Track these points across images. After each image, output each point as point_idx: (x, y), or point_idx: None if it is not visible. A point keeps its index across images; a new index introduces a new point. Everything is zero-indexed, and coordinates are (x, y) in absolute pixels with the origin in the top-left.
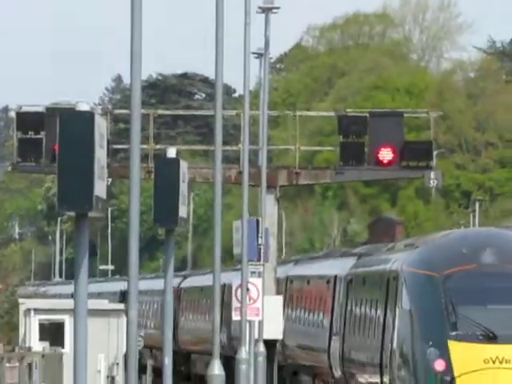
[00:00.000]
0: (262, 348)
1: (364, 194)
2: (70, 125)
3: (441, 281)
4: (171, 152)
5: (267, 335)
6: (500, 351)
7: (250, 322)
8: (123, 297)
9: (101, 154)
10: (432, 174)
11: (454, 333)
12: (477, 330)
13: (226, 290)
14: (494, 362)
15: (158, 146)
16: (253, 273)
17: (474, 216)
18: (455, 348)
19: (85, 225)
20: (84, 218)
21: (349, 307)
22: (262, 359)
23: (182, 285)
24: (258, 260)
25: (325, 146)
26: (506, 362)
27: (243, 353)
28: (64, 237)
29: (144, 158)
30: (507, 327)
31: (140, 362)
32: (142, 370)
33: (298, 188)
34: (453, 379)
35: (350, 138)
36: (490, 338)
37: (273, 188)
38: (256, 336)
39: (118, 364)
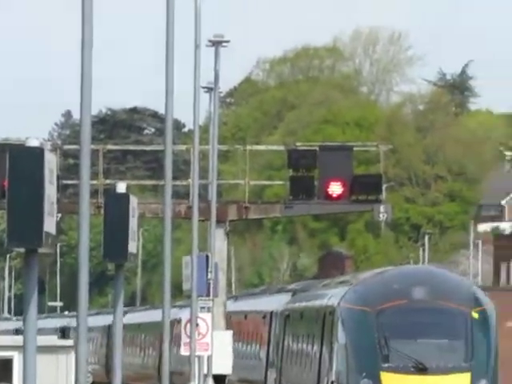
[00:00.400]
0: (211, 383)
1: (313, 229)
2: (20, 161)
3: (374, 316)
4: (121, 187)
5: (217, 370)
6: (430, 382)
7: (198, 356)
8: (63, 333)
9: (50, 190)
10: (381, 208)
11: (386, 365)
12: (408, 362)
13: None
14: None
15: (108, 181)
16: (202, 308)
17: (423, 249)
18: (387, 379)
19: (34, 261)
20: (34, 254)
21: (286, 341)
22: None
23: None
24: (208, 295)
25: (274, 180)
26: None
27: None
28: (13, 273)
29: (94, 193)
30: (436, 359)
31: None
32: None
33: (247, 222)
34: None
35: (299, 172)
36: (421, 369)
37: (222, 223)
38: (205, 371)
39: None
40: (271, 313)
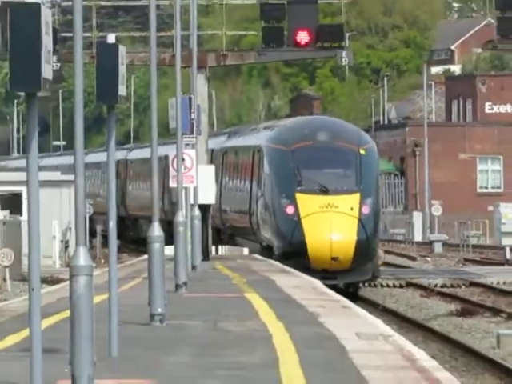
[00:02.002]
0: (197, 212)
1: (285, 73)
2: (19, 15)
3: (290, 153)
4: (111, 38)
5: (202, 200)
6: (330, 200)
7: (185, 188)
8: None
9: (47, 41)
10: (344, 53)
11: (299, 188)
12: (315, 186)
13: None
14: (326, 207)
15: (101, 34)
16: (187, 145)
17: (383, 90)
18: (300, 198)
19: (34, 103)
20: (33, 97)
21: (223, 172)
22: (197, 222)
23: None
24: (192, 133)
25: (249, 31)
26: (334, 207)
27: (180, 216)
28: (20, 117)
29: (89, 45)
30: (335, 184)
31: (91, 227)
32: (93, 234)
33: (226, 69)
34: (299, 219)
35: (270, 23)
36: (324, 191)
37: (203, 68)
38: (192, 201)
39: (70, 229)
40: (212, 150)
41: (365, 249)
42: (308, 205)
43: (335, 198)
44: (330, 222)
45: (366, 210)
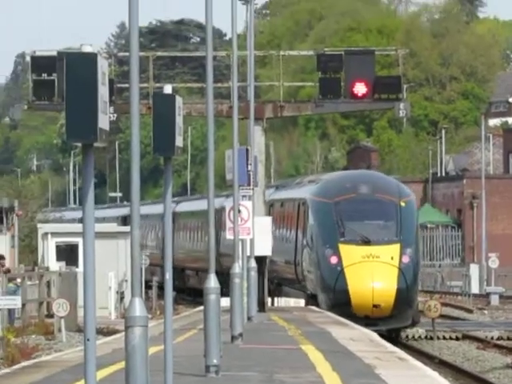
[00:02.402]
0: (253, 263)
1: (342, 125)
2: (76, 65)
3: (333, 205)
4: (167, 88)
5: (258, 252)
6: (371, 250)
7: (242, 240)
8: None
9: (103, 91)
10: (401, 105)
11: (342, 239)
12: (357, 237)
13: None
14: (368, 257)
15: (158, 85)
16: (244, 196)
17: (440, 142)
18: (343, 249)
19: (91, 154)
20: (90, 148)
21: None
22: (253, 273)
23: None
24: (248, 185)
25: (306, 82)
26: (375, 257)
27: (237, 268)
28: (77, 168)
29: (146, 95)
30: (376, 235)
31: (148, 278)
32: (149, 286)
33: (283, 120)
34: (342, 269)
35: (327, 75)
36: (365, 242)
37: (260, 120)
38: (248, 253)
39: (126, 281)
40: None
41: (405, 296)
42: (350, 255)
43: (376, 249)
44: (372, 272)
45: (405, 259)
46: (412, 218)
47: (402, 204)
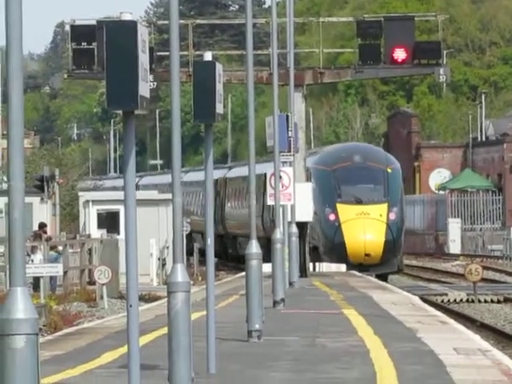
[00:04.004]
0: (294, 229)
1: (382, 91)
2: (115, 34)
3: (331, 172)
4: (207, 56)
5: (299, 218)
6: (363, 209)
7: (283, 206)
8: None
9: (143, 59)
10: (441, 71)
11: (339, 199)
12: (351, 198)
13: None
14: (360, 215)
15: (198, 53)
16: (284, 162)
17: (480, 107)
18: (340, 208)
19: (131, 121)
20: (130, 115)
21: None
22: (294, 238)
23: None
24: (289, 151)
25: (345, 49)
26: (367, 214)
27: (278, 233)
28: (117, 136)
29: (185, 63)
30: (367, 196)
31: (189, 245)
32: (191, 252)
33: (323, 87)
34: (339, 224)
35: (367, 41)
36: (358, 202)
37: (300, 86)
38: (289, 219)
39: (168, 247)
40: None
41: (391, 247)
42: (346, 213)
43: (367, 207)
44: (364, 226)
45: (392, 216)
46: (397, 182)
47: (389, 170)
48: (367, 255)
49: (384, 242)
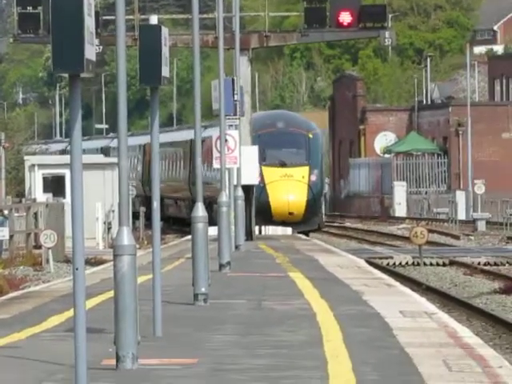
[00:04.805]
0: (240, 192)
1: (328, 55)
2: None
3: (256, 137)
4: (153, 19)
5: (245, 181)
6: (287, 171)
7: (228, 169)
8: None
9: (89, 22)
10: (386, 34)
11: (264, 162)
12: (276, 160)
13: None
14: (284, 177)
15: (143, 17)
16: (230, 126)
17: (425, 70)
18: (265, 170)
19: (77, 84)
20: (76, 79)
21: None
22: (240, 202)
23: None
24: (235, 114)
25: (291, 12)
26: (290, 176)
27: (224, 196)
28: (63, 101)
29: (131, 27)
30: (290, 159)
31: (134, 208)
32: (136, 216)
33: (268, 50)
34: (265, 185)
35: (313, 4)
36: (282, 164)
37: (246, 50)
38: (235, 182)
39: (113, 211)
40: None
41: (312, 206)
42: (271, 174)
43: (291, 170)
44: (287, 187)
45: (313, 178)
46: (318, 147)
47: (310, 136)
48: (290, 214)
49: (306, 201)
